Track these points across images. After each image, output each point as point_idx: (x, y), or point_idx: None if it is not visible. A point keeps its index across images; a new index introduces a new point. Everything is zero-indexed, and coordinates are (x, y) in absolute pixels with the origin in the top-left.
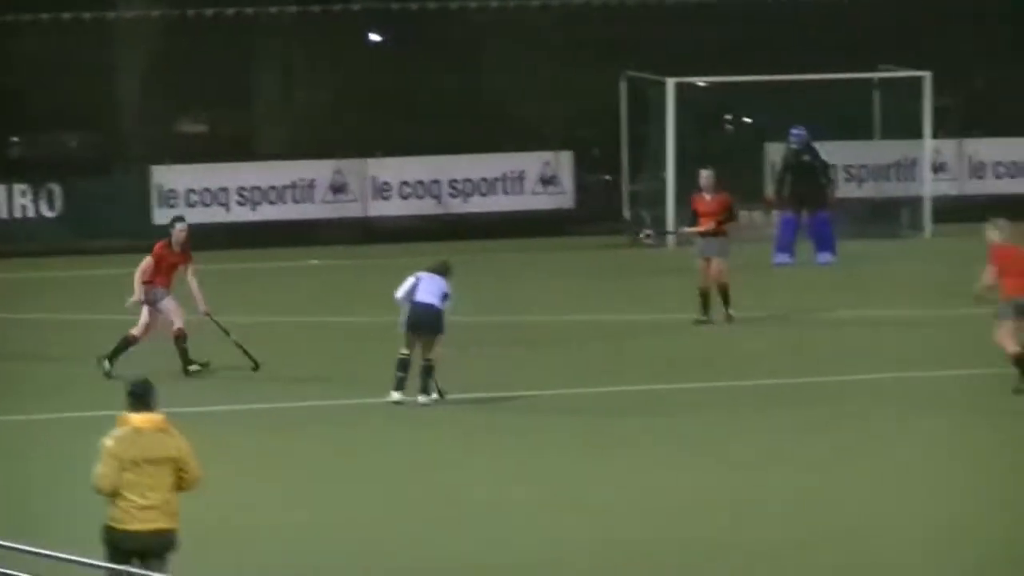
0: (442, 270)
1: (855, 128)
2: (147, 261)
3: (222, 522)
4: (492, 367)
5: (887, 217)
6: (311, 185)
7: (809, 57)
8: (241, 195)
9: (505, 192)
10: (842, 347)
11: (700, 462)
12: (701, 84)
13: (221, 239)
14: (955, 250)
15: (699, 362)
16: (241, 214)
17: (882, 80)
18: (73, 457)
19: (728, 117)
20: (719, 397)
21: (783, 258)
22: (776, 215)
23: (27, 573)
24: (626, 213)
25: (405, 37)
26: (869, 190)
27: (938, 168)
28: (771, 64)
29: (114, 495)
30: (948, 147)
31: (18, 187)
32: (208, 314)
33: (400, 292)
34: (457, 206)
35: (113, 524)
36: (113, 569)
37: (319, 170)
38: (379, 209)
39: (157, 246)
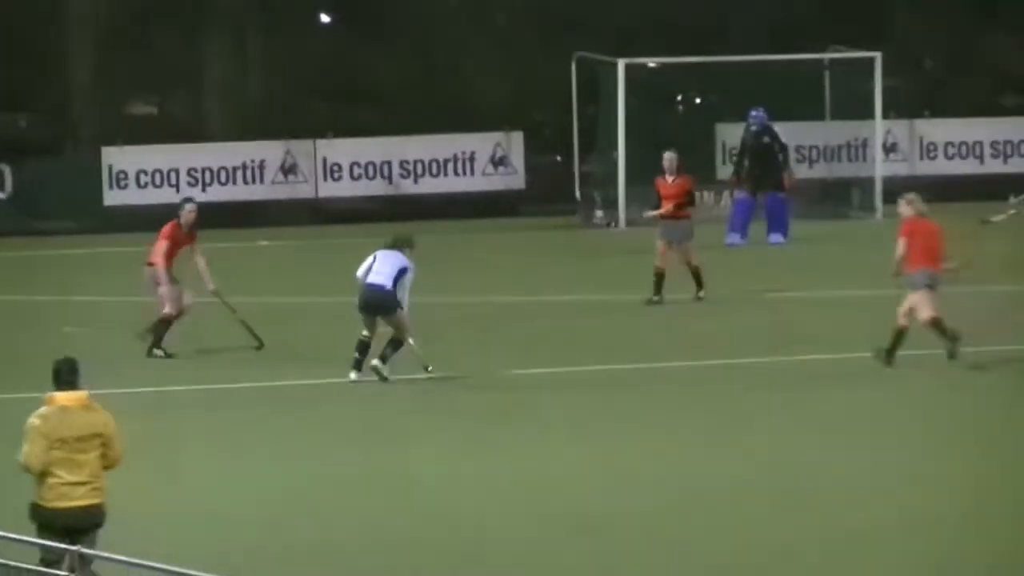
0: (398, 244)
1: (806, 109)
2: (163, 244)
3: (163, 503)
4: (443, 347)
5: (838, 198)
6: (261, 166)
7: (760, 38)
8: (191, 176)
9: (456, 173)
10: (789, 328)
11: (646, 438)
12: (652, 65)
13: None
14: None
15: (647, 342)
16: (191, 195)
17: (833, 61)
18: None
19: (679, 98)
20: (668, 376)
21: (734, 238)
22: (732, 196)
23: None
24: (577, 193)
25: (355, 18)
26: (820, 171)
27: (889, 149)
28: (722, 45)
29: (42, 474)
30: (899, 128)
31: None
32: (216, 292)
33: (360, 271)
34: (408, 187)
35: (41, 503)
36: (47, 546)
37: (269, 151)
38: (330, 190)
39: (169, 227)
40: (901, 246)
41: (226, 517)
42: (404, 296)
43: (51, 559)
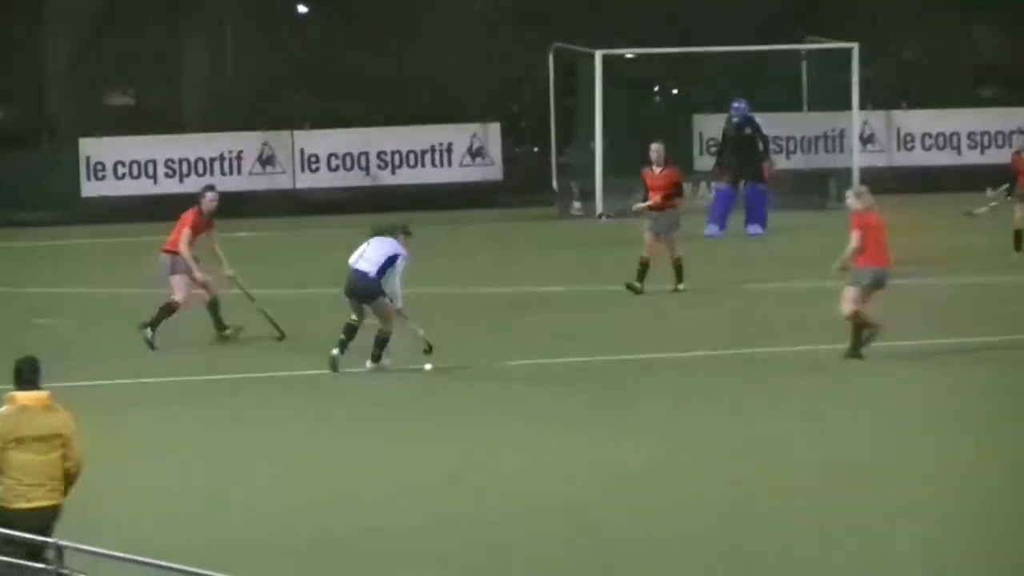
0: (389, 231)
1: (784, 100)
2: (186, 232)
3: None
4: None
5: (815, 189)
6: (239, 157)
7: (738, 29)
8: (169, 167)
9: (433, 164)
10: (767, 319)
11: (631, 429)
12: (629, 56)
13: (149, 211)
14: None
15: (627, 334)
16: (169, 186)
17: (810, 52)
18: None
19: (656, 89)
20: (643, 368)
21: (713, 229)
22: (712, 186)
23: None
24: (555, 184)
25: (333, 10)
26: (798, 162)
27: (867, 140)
28: (700, 36)
29: (0, 473)
30: (877, 119)
31: None
32: (234, 278)
33: (352, 257)
34: (385, 178)
35: (2, 503)
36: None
37: (247, 142)
38: (307, 181)
39: (190, 215)
40: (856, 239)
41: (192, 510)
42: (396, 283)
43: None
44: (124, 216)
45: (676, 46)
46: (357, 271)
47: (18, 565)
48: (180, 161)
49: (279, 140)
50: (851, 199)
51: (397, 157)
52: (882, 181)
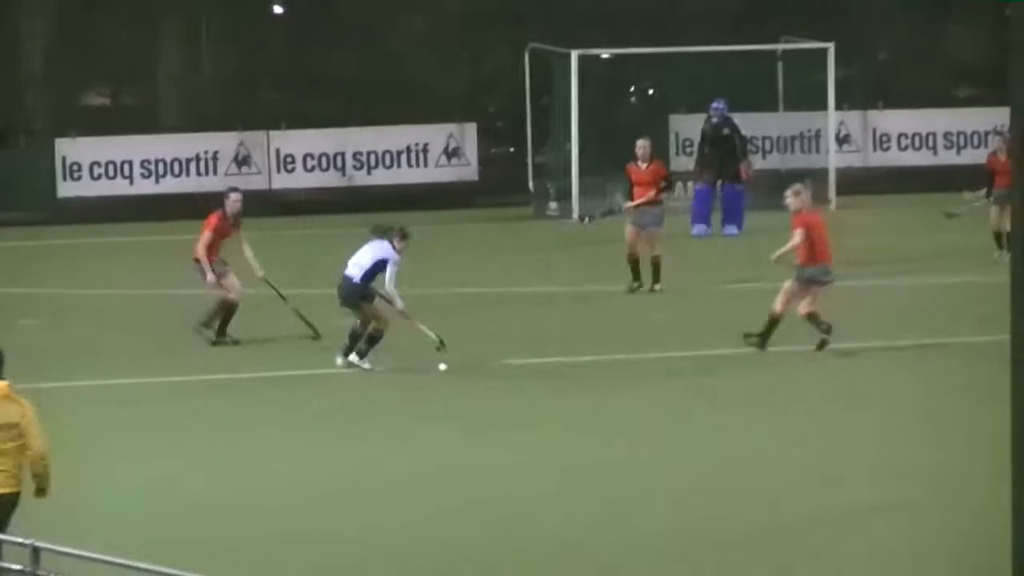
0: (381, 233)
1: (759, 100)
2: (207, 235)
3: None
4: (404, 339)
5: None
6: (215, 158)
7: (713, 28)
8: (145, 167)
9: (409, 164)
10: (741, 319)
11: (609, 428)
12: (605, 56)
13: (125, 211)
14: (860, 222)
15: (605, 334)
16: (145, 186)
17: (786, 52)
18: None
19: (632, 89)
20: (618, 370)
21: (700, 228)
22: (691, 187)
23: None
24: (531, 185)
25: (308, 9)
26: (774, 161)
27: (843, 140)
28: (675, 36)
29: None
30: (852, 119)
31: None
32: (265, 279)
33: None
34: (361, 178)
35: None
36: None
37: (223, 142)
38: (283, 181)
39: (215, 218)
40: (799, 236)
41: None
42: (389, 286)
43: None
44: (100, 216)
45: (652, 46)
46: (344, 275)
47: None
48: (156, 162)
49: (255, 140)
50: (789, 198)
51: (373, 157)
52: (858, 181)
